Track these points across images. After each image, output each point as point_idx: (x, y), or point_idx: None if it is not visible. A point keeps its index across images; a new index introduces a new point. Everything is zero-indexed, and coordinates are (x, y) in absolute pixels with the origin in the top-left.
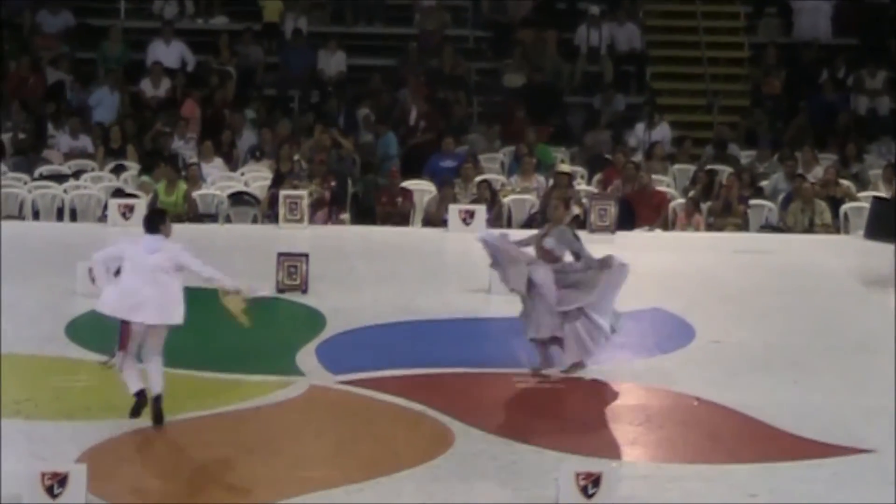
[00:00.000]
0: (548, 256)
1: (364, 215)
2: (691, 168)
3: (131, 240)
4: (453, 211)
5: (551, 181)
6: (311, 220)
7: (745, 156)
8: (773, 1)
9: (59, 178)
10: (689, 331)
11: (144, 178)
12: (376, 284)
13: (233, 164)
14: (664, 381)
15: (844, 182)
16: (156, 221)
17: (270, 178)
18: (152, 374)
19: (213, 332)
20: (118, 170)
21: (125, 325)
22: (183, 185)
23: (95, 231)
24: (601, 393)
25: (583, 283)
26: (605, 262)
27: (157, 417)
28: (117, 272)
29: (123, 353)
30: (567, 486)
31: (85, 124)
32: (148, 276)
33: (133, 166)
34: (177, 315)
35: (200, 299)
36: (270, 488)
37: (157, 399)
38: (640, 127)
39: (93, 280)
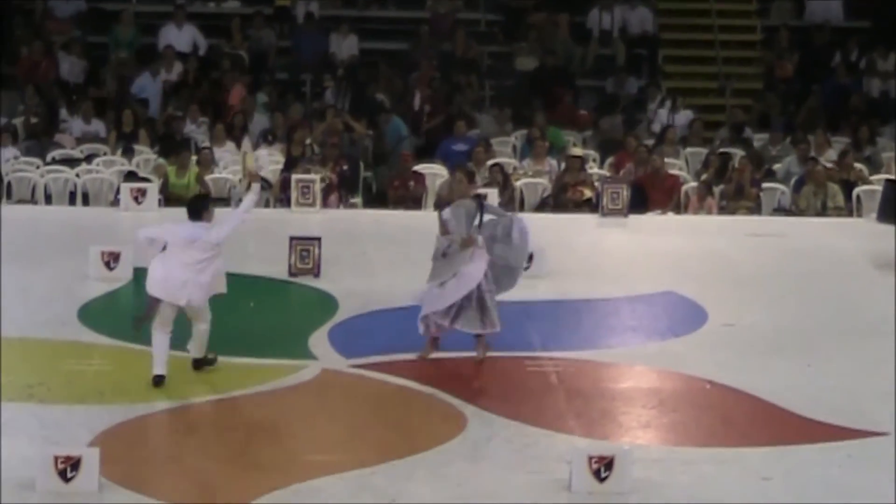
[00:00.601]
0: (442, 229)
1: (376, 199)
2: (704, 151)
3: (175, 224)
4: None
5: (563, 165)
6: (324, 205)
7: (758, 139)
8: None
9: (72, 162)
10: (701, 314)
11: (161, 160)
12: (388, 268)
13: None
14: (677, 364)
15: (857, 165)
16: (198, 208)
17: (282, 162)
18: (196, 340)
19: (226, 316)
20: (127, 152)
21: (154, 299)
22: (194, 169)
23: (107, 215)
24: (614, 376)
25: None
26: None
27: (197, 367)
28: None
29: (143, 321)
30: (580, 469)
31: (96, 108)
32: (189, 264)
33: (145, 150)
34: (220, 286)
35: None
36: (283, 471)
37: (197, 361)
38: (662, 112)
39: (107, 264)
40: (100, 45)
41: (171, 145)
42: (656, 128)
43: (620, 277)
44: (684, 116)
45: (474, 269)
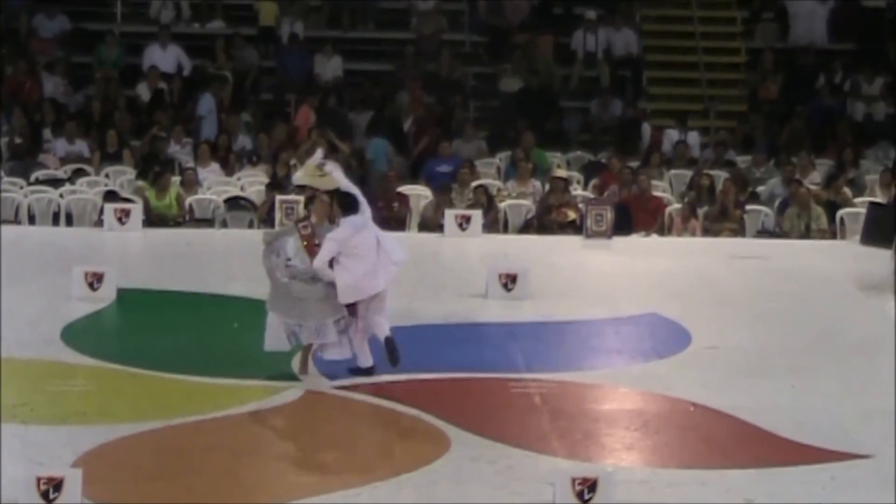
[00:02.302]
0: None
1: None
2: (688, 173)
3: (344, 229)
4: (450, 216)
5: (547, 186)
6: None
7: (742, 161)
8: (770, 6)
9: (55, 182)
10: (685, 335)
11: (140, 182)
12: None
13: (229, 168)
14: (660, 385)
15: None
16: (353, 203)
17: (266, 183)
18: (381, 324)
19: (209, 337)
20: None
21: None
22: (174, 189)
23: (91, 235)
24: (598, 397)
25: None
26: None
27: (394, 356)
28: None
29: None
30: (563, 490)
31: (80, 128)
32: (374, 250)
33: (129, 171)
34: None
35: (195, 304)
36: (267, 492)
37: (389, 340)
38: (671, 133)
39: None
40: (84, 65)
41: (149, 166)
42: (667, 148)
43: (604, 299)
44: (693, 137)
45: None
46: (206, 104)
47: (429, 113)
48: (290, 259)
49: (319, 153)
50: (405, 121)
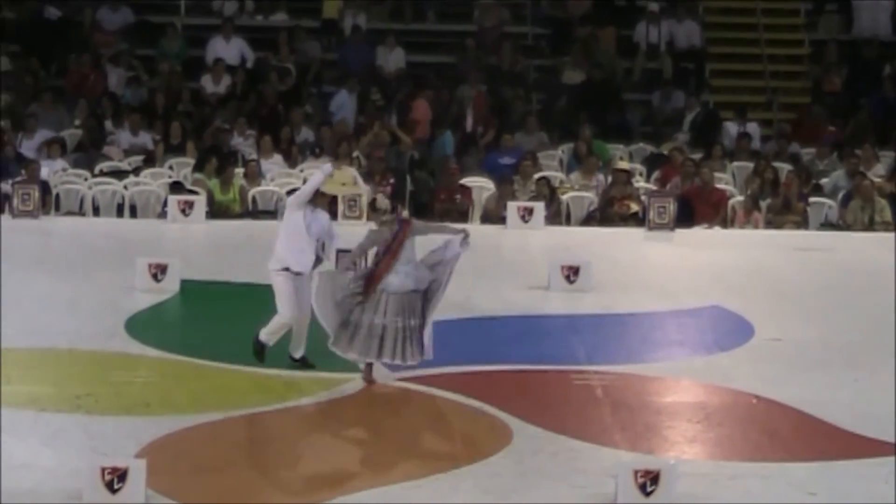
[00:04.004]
0: None
1: (419, 212)
2: (750, 165)
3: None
4: (512, 208)
5: (609, 178)
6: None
7: (805, 153)
8: None
9: (119, 174)
10: (747, 328)
11: (197, 174)
12: None
13: (291, 160)
14: (723, 378)
15: None
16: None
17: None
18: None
19: None
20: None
21: None
22: (237, 183)
23: (155, 227)
24: (659, 390)
25: None
26: None
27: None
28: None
29: None
30: (625, 483)
31: (144, 120)
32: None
33: (192, 162)
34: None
35: (257, 296)
36: (328, 485)
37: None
38: (730, 125)
39: (154, 276)
40: (147, 57)
41: (206, 159)
42: (726, 141)
43: (666, 291)
44: (752, 128)
45: None
46: (340, 100)
47: (490, 112)
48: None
49: (328, 167)
50: (465, 121)
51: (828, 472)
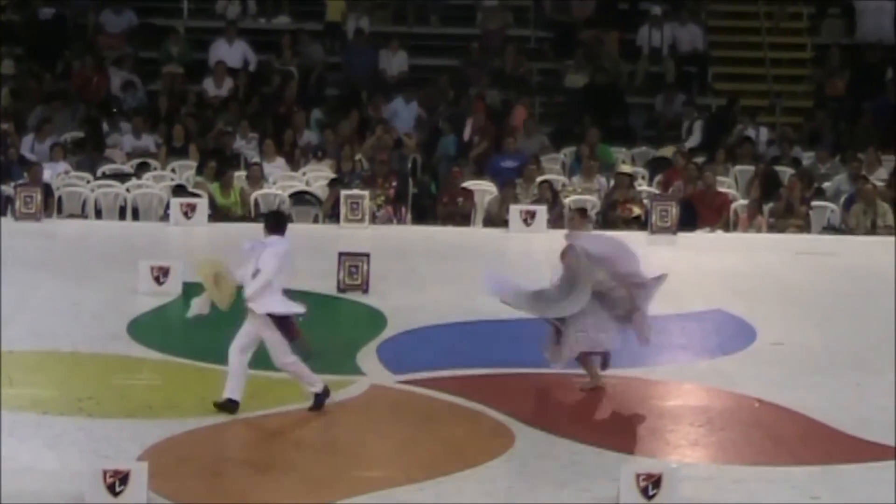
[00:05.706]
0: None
1: (421, 215)
2: (752, 169)
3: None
4: (514, 211)
5: (612, 182)
6: (376, 219)
7: (807, 157)
8: (837, 1)
9: (122, 176)
10: (750, 332)
11: (198, 178)
12: (437, 284)
13: (294, 163)
14: (726, 382)
15: None
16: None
17: (330, 178)
18: None
19: None
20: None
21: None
22: (239, 186)
23: (157, 230)
24: (662, 394)
25: None
26: None
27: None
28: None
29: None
30: (628, 486)
31: (146, 123)
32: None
33: (195, 165)
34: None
35: None
36: (330, 487)
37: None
38: (740, 128)
39: (157, 279)
40: (151, 60)
41: (207, 162)
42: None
43: (669, 295)
44: (762, 133)
45: None
46: (396, 107)
47: (489, 120)
48: None
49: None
50: (467, 119)
51: (831, 475)
